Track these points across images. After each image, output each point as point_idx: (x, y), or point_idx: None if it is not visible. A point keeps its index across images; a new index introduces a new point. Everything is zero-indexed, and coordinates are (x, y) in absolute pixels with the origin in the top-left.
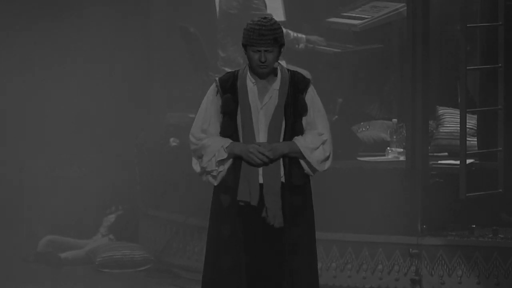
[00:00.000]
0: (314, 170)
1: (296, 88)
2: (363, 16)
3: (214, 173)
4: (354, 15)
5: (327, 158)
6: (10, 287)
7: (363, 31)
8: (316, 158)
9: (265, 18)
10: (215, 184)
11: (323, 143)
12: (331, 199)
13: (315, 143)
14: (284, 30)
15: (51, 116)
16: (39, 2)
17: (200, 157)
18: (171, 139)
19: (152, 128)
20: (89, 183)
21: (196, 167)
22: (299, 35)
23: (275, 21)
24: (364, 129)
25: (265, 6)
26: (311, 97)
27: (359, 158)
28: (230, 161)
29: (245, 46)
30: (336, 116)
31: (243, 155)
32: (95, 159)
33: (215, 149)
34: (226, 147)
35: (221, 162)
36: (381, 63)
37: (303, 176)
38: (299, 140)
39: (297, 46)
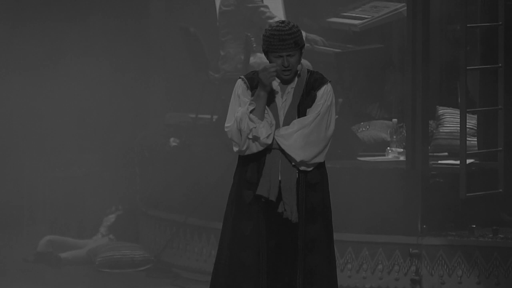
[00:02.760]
0: (293, 160)
1: (311, 86)
2: (363, 16)
3: (254, 133)
4: (354, 15)
5: (306, 144)
6: (10, 287)
7: (363, 31)
8: (288, 144)
9: (282, 22)
10: (268, 142)
11: (303, 127)
12: (331, 199)
13: (289, 129)
14: None
15: (51, 116)
16: (39, 3)
17: (239, 133)
18: (171, 139)
19: (152, 128)
20: (89, 183)
21: (236, 146)
22: None
23: (293, 24)
24: (364, 129)
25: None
26: (323, 92)
27: (359, 158)
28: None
29: (266, 52)
30: (336, 116)
31: (260, 82)
32: (95, 159)
33: (244, 110)
34: (252, 100)
35: (254, 114)
36: (381, 63)
37: (319, 174)
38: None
39: None
